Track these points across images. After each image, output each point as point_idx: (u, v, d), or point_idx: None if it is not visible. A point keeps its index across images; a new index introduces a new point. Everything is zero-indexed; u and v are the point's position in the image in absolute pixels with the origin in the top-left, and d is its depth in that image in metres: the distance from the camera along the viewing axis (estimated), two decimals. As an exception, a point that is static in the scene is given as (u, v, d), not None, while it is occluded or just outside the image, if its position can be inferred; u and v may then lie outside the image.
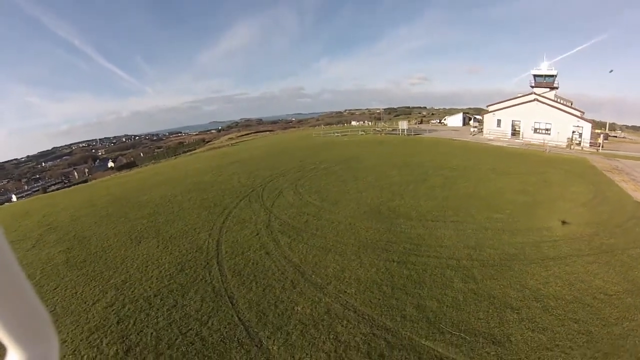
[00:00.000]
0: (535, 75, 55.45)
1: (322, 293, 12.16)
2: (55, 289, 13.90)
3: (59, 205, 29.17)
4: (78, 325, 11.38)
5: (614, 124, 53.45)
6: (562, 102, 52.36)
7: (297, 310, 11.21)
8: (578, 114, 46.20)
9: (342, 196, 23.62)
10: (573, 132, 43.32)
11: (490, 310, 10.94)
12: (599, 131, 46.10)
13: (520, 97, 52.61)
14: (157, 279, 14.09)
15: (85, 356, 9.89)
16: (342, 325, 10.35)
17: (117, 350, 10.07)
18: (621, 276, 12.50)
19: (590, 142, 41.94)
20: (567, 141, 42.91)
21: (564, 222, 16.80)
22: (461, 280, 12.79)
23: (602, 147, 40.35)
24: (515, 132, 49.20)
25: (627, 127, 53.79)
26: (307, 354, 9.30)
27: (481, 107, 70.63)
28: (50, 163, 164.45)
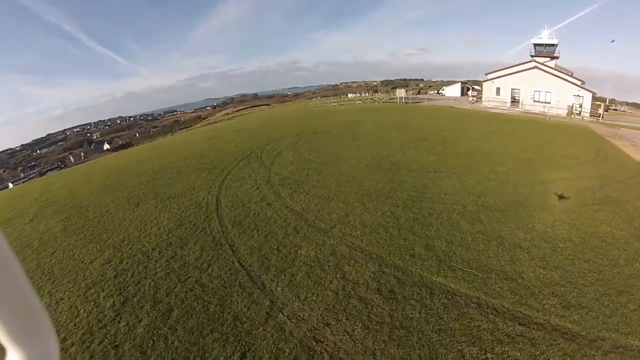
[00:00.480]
0: (535, 44, 53.28)
1: (326, 236, 11.68)
2: (52, 253, 13.41)
3: (56, 184, 28.41)
4: (75, 283, 10.94)
5: (614, 99, 51.87)
6: (562, 72, 50.88)
7: (301, 253, 10.74)
8: (579, 83, 44.57)
9: (343, 153, 22.96)
10: (573, 102, 42.09)
11: (500, 250, 10.64)
12: (599, 103, 44.86)
13: (520, 64, 51.07)
14: (155, 235, 13.59)
15: (82, 310, 9.46)
16: (350, 265, 9.90)
17: (114, 302, 9.65)
18: (627, 224, 12.17)
19: (590, 112, 40.78)
20: (568, 109, 41.67)
21: (561, 197, 16.24)
22: (468, 223, 12.40)
23: (603, 117, 39.23)
24: (514, 101, 47.80)
25: (627, 103, 52.26)
26: (313, 293, 8.87)
27: (480, 79, 68.91)
28: (45, 150, 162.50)
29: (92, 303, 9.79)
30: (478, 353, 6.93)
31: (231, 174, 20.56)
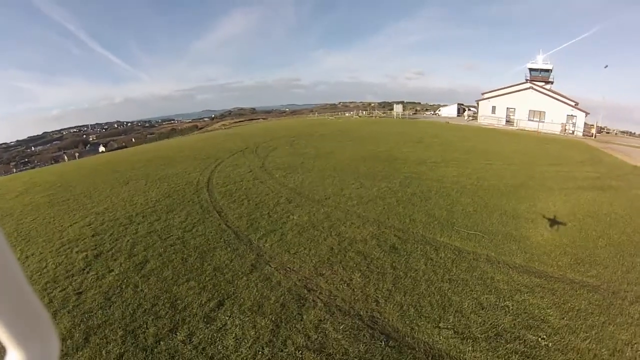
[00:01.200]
0: (531, 69, 54.42)
1: (320, 205, 11.11)
2: (33, 220, 12.52)
3: (46, 172, 27.80)
4: (50, 242, 10.09)
5: (606, 127, 52.47)
6: (557, 94, 51.67)
7: (293, 218, 10.10)
8: (572, 103, 45.54)
9: (339, 149, 22.58)
10: (567, 121, 42.54)
11: (504, 219, 10.34)
12: (592, 124, 45.33)
13: (516, 85, 51.96)
14: (141, 204, 12.86)
15: (51, 263, 8.62)
16: (345, 226, 9.32)
17: (86, 255, 8.83)
18: (628, 204, 12.22)
19: (583, 132, 41.24)
20: (561, 126, 42.09)
21: (560, 184, 16.17)
22: (468, 197, 12.19)
23: (595, 137, 39.62)
24: (509, 120, 48.45)
25: (620, 132, 52.90)
26: (305, 248, 8.21)
27: (474, 104, 70.29)
28: (40, 147, 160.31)
29: (63, 257, 8.97)
30: (496, 301, 6.42)
31: (225, 162, 19.98)
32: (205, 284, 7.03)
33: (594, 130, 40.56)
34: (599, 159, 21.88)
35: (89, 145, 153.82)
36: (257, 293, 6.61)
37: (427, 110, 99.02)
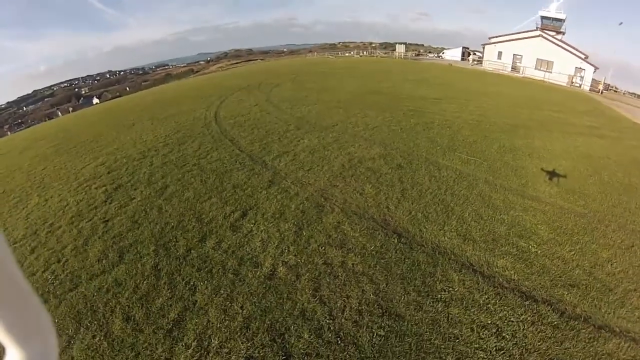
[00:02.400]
0: (542, 17, 50.35)
1: (328, 131, 11.22)
2: (43, 169, 12.50)
3: (46, 126, 27.46)
4: (66, 184, 10.15)
5: (614, 86, 49.93)
6: (567, 45, 48.75)
7: (304, 142, 10.26)
8: (582, 56, 42.92)
9: (341, 84, 22.14)
10: (575, 73, 40.51)
11: (502, 150, 10.74)
12: (600, 80, 43.19)
13: (525, 32, 48.92)
14: (151, 141, 12.91)
15: (72, 200, 8.77)
16: (354, 147, 9.51)
17: (106, 189, 9.01)
18: (622, 152, 12.34)
19: (590, 87, 39.45)
20: (568, 78, 40.18)
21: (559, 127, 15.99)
22: (469, 130, 12.20)
23: (602, 93, 38.00)
24: (515, 67, 46.24)
25: (629, 92, 50.34)
26: (318, 165, 8.46)
27: (476, 48, 66.87)
28: (32, 107, 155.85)
29: (82, 194, 9.13)
30: (493, 214, 6.91)
31: (229, 99, 19.71)
32: (227, 199, 7.36)
33: (600, 87, 38.72)
34: (601, 111, 21.30)
35: (82, 98, 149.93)
36: (277, 203, 6.95)
37: (429, 52, 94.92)
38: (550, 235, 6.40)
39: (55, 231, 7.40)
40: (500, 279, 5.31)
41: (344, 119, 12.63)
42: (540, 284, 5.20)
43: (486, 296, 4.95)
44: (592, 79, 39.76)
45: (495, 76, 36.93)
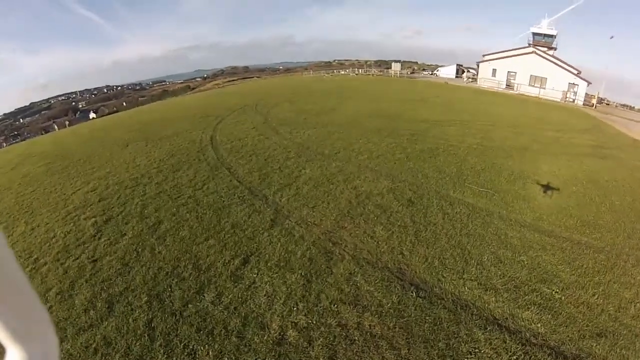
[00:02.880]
0: (534, 34, 51.28)
1: (331, 160, 10.70)
2: (33, 191, 11.82)
3: (40, 141, 26.72)
4: (55, 211, 9.48)
5: (606, 98, 50.53)
6: (560, 61, 49.31)
7: (306, 172, 9.71)
8: (575, 71, 43.42)
9: (340, 106, 21.77)
10: (569, 89, 40.79)
11: (512, 178, 10.17)
12: (593, 95, 43.53)
13: (518, 49, 49.55)
14: (145, 165, 12.31)
15: (59, 232, 8.10)
16: (360, 180, 8.96)
17: (95, 221, 8.34)
18: (628, 174, 12.00)
19: (584, 101, 39.68)
20: (562, 94, 40.16)
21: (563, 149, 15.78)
22: (476, 157, 11.76)
23: (596, 107, 38.10)
24: (509, 84, 46.59)
25: (620, 105, 50.78)
26: (323, 202, 7.87)
27: (473, 65, 67.54)
28: (28, 119, 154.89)
29: (71, 225, 8.46)
30: (512, 255, 6.44)
31: (226, 120, 19.23)
32: (226, 241, 6.72)
33: (594, 101, 38.91)
34: (599, 129, 21.14)
35: (79, 112, 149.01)
36: (281, 248, 6.32)
37: (423, 69, 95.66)
38: (572, 278, 6.00)
39: (40, 268, 6.75)
40: (527, 334, 4.85)
41: (347, 146, 12.15)
42: (568, 336, 4.80)
43: (515, 357, 4.46)
44: (586, 93, 39.96)
45: (492, 94, 36.98)
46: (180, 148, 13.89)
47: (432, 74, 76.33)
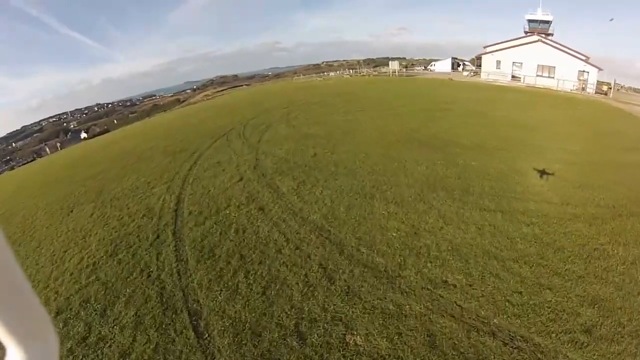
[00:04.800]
0: (529, 20, 47.09)
1: (389, 281, 5.34)
2: None
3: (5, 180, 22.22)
4: None
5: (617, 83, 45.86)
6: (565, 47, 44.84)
7: (355, 340, 4.40)
8: (583, 58, 38.91)
9: (354, 125, 16.17)
10: (584, 77, 36.19)
11: None
12: (604, 81, 38.98)
13: (522, 37, 44.94)
14: (71, 276, 7.23)
15: None
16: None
17: None
18: None
19: (595, 89, 35.05)
20: (579, 84, 35.31)
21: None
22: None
23: (611, 94, 33.32)
24: (515, 76, 41.91)
25: (632, 89, 46.28)
26: None
27: (464, 58, 63.39)
28: (20, 143, 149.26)
29: None
30: None
31: (203, 158, 13.86)
32: None
33: (606, 88, 34.39)
34: None
35: (70, 133, 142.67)
36: None
37: (413, 64, 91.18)
38: None
39: None
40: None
41: (399, 224, 6.88)
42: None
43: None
44: (597, 81, 35.15)
45: (506, 90, 31.74)
46: (130, 230, 8.69)
47: (425, 68, 71.51)
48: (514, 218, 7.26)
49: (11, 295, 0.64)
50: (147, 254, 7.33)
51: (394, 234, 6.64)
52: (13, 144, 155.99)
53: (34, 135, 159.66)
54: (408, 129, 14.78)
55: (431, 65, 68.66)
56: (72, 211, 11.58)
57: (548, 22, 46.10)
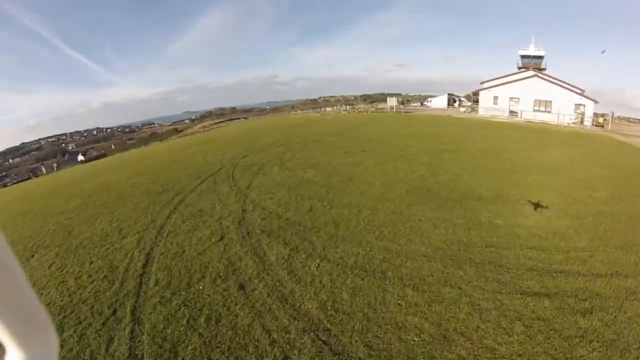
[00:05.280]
0: (522, 56, 48.35)
1: None
2: None
3: None
4: None
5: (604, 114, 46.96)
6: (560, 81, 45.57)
7: None
8: (579, 91, 39.34)
9: (355, 170, 14.62)
10: (581, 110, 36.14)
11: None
12: (600, 113, 39.16)
13: (518, 73, 45.58)
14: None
15: None
16: None
17: None
18: None
19: (593, 121, 34.71)
20: (578, 117, 34.95)
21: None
22: None
23: (608, 126, 33.09)
24: (512, 111, 41.94)
25: (627, 119, 47.25)
26: None
27: (458, 93, 64.44)
28: (18, 159, 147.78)
29: None
30: None
31: (185, 203, 12.13)
32: None
33: (601, 120, 34.57)
34: None
35: (67, 154, 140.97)
36: None
37: (408, 100, 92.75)
38: None
39: None
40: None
41: (421, 322, 5.17)
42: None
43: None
44: (594, 113, 35.74)
45: (509, 127, 31.26)
46: (85, 296, 6.92)
47: (421, 104, 72.18)
48: (564, 304, 5.60)
49: (11, 296, 0.62)
50: (95, 339, 5.48)
51: (415, 339, 4.88)
52: (10, 160, 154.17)
53: (32, 153, 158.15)
54: (417, 175, 13.27)
55: (427, 101, 69.30)
56: (33, 256, 9.77)
57: (541, 57, 47.43)
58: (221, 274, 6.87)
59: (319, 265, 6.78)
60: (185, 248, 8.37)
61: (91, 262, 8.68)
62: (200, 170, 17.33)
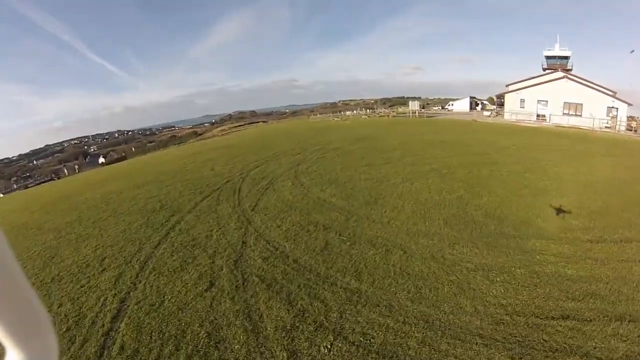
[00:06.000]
0: (547, 57, 45.40)
1: None
2: None
3: None
4: None
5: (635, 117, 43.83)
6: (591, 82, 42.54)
7: None
8: (611, 93, 36.27)
9: (381, 189, 12.63)
10: (615, 114, 33.32)
11: None
12: (631, 116, 36.17)
13: (546, 74, 42.56)
14: None
15: None
16: None
17: None
18: None
19: (626, 125, 31.92)
20: (612, 121, 32.53)
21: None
22: None
23: (637, 131, 30.48)
24: (540, 115, 39.08)
25: None
26: None
27: (478, 96, 62.30)
28: (41, 161, 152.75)
29: None
30: None
31: (179, 228, 10.53)
32: None
33: (634, 124, 32.39)
34: None
35: (89, 156, 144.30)
36: None
37: (428, 104, 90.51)
38: None
39: None
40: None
41: None
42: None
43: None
44: (627, 117, 33.24)
45: (541, 132, 28.29)
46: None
47: (442, 108, 70.03)
48: None
49: (11, 296, 0.62)
50: None
51: None
52: (34, 161, 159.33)
53: (55, 155, 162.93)
54: (454, 197, 11.16)
55: (449, 105, 66.79)
56: None
57: (567, 58, 44.39)
58: (199, 348, 5.10)
59: (331, 345, 4.89)
60: (165, 297, 6.67)
61: (60, 305, 7.26)
62: (204, 184, 15.79)
